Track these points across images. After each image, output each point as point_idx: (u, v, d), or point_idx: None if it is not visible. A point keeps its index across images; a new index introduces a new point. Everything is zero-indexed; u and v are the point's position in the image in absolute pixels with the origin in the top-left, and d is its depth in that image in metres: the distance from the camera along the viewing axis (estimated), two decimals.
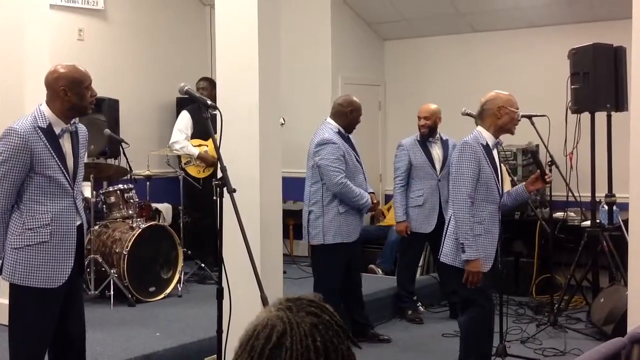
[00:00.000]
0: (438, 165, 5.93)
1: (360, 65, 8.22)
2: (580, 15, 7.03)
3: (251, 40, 4.59)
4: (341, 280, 5.19)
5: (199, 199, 6.59)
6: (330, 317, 1.27)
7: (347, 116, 5.22)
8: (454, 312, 6.08)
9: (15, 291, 3.34)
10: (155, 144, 7.56)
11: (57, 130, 3.32)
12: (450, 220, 3.99)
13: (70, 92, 3.31)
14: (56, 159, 3.28)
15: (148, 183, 6.39)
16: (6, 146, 3.22)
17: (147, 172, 6.38)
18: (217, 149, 3.39)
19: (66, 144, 3.38)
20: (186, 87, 3.54)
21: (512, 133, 4.08)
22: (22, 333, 3.34)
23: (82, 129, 3.51)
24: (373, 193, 5.39)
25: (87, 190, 5.82)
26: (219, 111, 3.56)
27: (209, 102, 3.51)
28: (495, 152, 4.00)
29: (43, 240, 3.28)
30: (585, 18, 7.00)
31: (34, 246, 3.28)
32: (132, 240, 5.68)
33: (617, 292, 5.32)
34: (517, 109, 3.99)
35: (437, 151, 5.96)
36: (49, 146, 3.27)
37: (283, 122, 6.95)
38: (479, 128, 4.02)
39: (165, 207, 7.11)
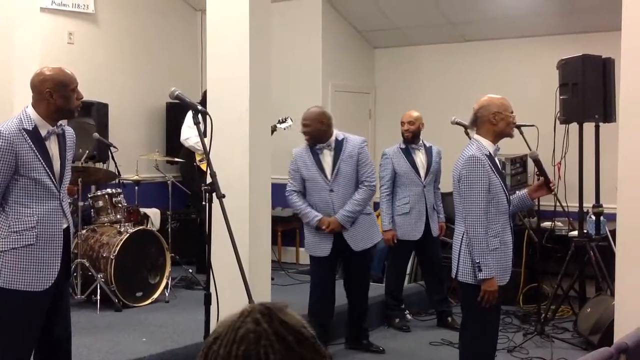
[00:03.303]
0: (422, 172, 5.93)
1: (350, 73, 8.24)
2: (569, 26, 7.08)
3: (242, 46, 4.60)
4: (323, 289, 5.19)
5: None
6: (269, 327, 1.19)
7: None
8: (441, 321, 6.09)
9: (1, 294, 3.30)
10: (145, 148, 7.54)
11: (43, 133, 3.30)
12: (463, 237, 3.80)
13: (56, 95, 3.29)
14: (42, 161, 3.26)
15: (137, 188, 6.37)
16: None
17: (135, 177, 6.37)
18: (207, 154, 3.39)
19: (53, 147, 3.35)
20: (177, 92, 3.53)
21: (511, 136, 3.96)
22: (8, 336, 3.31)
23: (69, 131, 3.49)
24: (347, 215, 5.04)
25: None
26: (209, 116, 3.55)
27: (200, 107, 3.51)
28: (496, 159, 3.92)
29: (29, 243, 3.26)
30: (575, 29, 7.05)
31: (20, 249, 3.25)
32: (119, 245, 5.65)
33: (604, 302, 5.35)
34: (512, 112, 3.88)
35: (420, 158, 5.97)
36: (34, 148, 3.24)
37: (291, 123, 7.01)
38: (477, 137, 3.85)
39: (153, 212, 7.09)
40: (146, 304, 5.81)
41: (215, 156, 3.58)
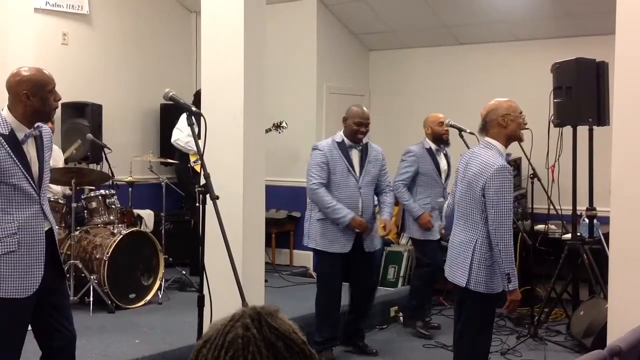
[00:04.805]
0: (443, 175, 5.93)
1: (345, 75, 8.24)
2: (563, 30, 7.10)
3: (237, 48, 4.60)
4: (334, 286, 5.16)
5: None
6: (258, 332, 1.19)
7: (345, 125, 5.19)
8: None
9: None
10: (139, 149, 7.53)
11: (20, 136, 3.20)
12: (475, 245, 3.77)
13: (32, 97, 3.18)
14: (20, 166, 3.16)
15: (130, 189, 6.36)
16: None
17: (129, 178, 6.35)
18: (200, 155, 3.38)
19: (30, 150, 3.25)
20: (171, 93, 3.52)
21: (522, 140, 3.93)
22: None
23: (46, 131, 3.37)
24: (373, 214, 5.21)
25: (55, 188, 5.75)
26: (204, 118, 3.54)
27: (194, 108, 3.50)
28: None
29: (10, 249, 3.17)
30: (569, 33, 7.07)
31: (1, 256, 3.16)
32: (112, 247, 5.64)
33: (597, 305, 5.36)
34: (521, 112, 3.86)
35: (442, 161, 5.96)
36: (11, 154, 3.14)
37: (286, 126, 7.11)
38: (490, 140, 3.80)
39: (147, 214, 7.08)
40: (139, 306, 5.80)
41: (210, 158, 3.57)
